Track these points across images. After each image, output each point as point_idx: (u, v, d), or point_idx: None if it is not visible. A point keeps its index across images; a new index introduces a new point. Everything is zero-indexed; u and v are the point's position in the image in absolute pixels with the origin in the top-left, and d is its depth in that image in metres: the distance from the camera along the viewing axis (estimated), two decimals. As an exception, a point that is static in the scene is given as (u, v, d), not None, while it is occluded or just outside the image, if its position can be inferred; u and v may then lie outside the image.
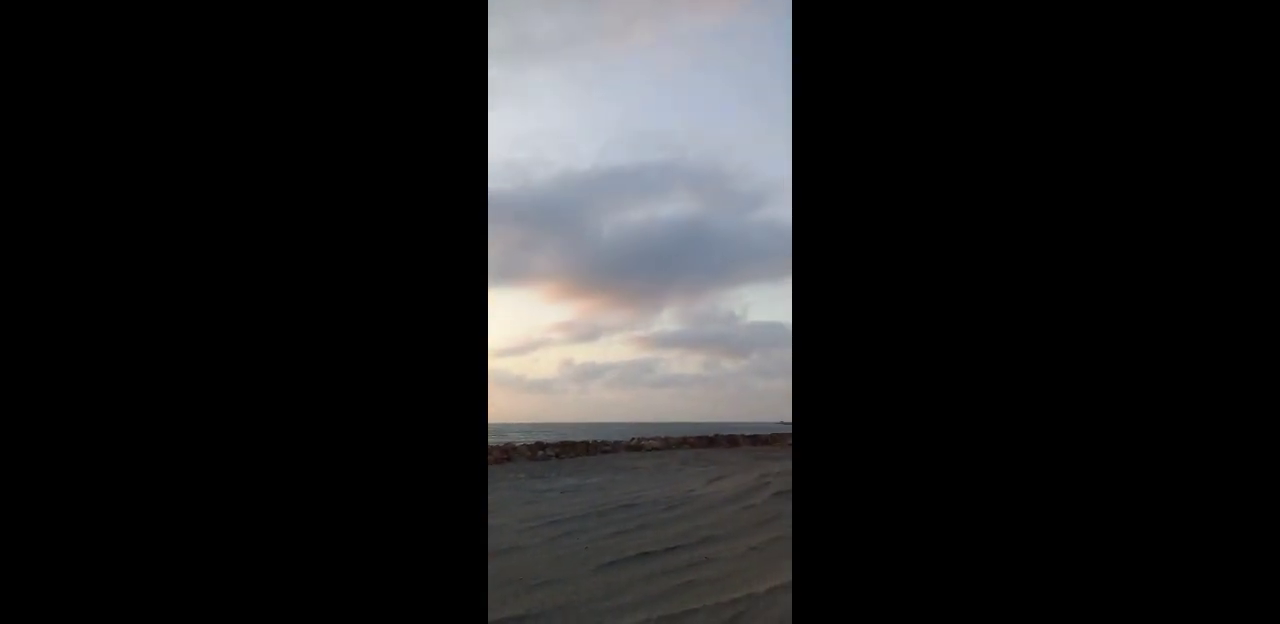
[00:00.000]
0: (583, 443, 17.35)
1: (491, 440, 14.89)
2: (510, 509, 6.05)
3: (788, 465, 10.07)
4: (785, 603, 3.10)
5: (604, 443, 18.08)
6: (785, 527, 5.20)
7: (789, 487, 7.49)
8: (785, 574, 3.59)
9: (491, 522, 4.60)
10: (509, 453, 14.26)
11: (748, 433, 25.05)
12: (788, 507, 6.29)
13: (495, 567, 3.67)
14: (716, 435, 22.09)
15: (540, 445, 16.42)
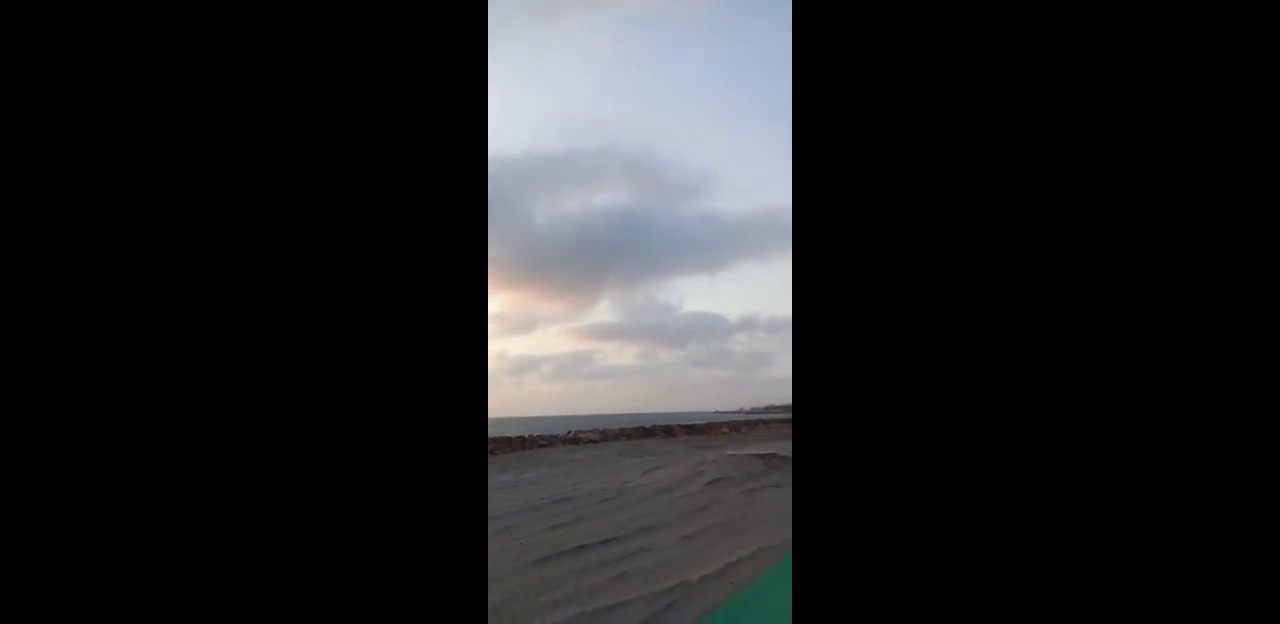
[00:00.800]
0: (519, 438, 17.16)
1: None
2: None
3: (722, 454, 10.27)
4: (718, 590, 3.16)
5: (541, 437, 17.95)
6: (718, 514, 5.29)
7: (723, 475, 7.66)
8: (718, 562, 3.65)
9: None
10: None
11: (684, 423, 25.43)
12: (722, 494, 6.41)
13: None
14: (654, 426, 22.33)
15: (475, 441, 16.10)
